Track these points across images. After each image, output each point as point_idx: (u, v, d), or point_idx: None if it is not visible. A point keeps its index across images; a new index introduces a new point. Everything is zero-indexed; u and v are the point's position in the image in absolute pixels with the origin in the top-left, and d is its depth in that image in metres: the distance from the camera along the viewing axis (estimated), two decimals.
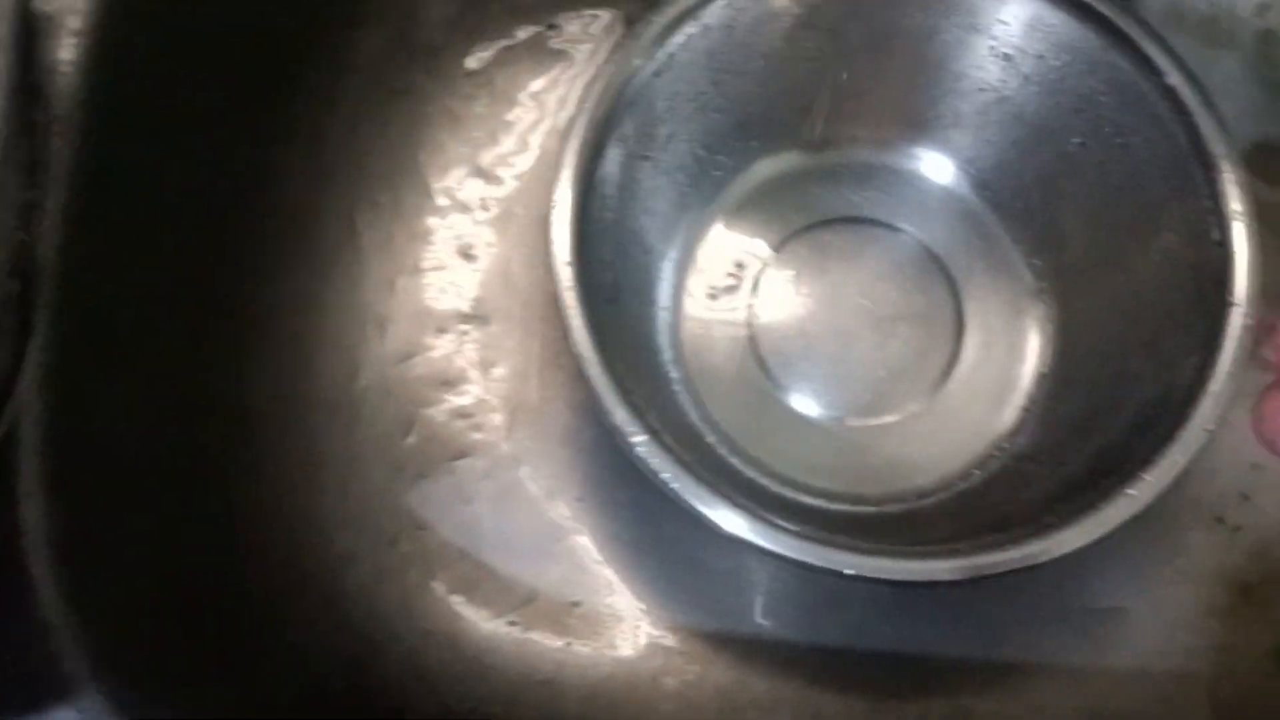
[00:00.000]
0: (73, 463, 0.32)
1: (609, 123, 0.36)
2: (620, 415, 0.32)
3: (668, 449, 0.32)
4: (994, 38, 0.39)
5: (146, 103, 0.36)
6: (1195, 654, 0.36)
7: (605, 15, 0.45)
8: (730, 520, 0.31)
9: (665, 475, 0.31)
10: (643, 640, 0.38)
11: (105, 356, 0.34)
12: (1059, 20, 0.38)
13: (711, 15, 0.38)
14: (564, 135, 0.36)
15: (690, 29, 0.38)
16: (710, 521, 0.31)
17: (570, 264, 0.34)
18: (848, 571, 0.30)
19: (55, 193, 0.32)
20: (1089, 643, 0.37)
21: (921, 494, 0.39)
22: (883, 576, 0.30)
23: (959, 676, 0.38)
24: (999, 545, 0.30)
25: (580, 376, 0.33)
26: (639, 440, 0.32)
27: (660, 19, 0.37)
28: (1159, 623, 0.37)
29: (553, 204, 0.35)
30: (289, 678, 0.36)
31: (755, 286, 0.42)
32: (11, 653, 0.30)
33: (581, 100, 0.36)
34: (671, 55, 0.38)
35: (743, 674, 0.38)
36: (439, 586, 0.38)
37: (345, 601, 0.37)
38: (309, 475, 0.38)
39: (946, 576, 0.30)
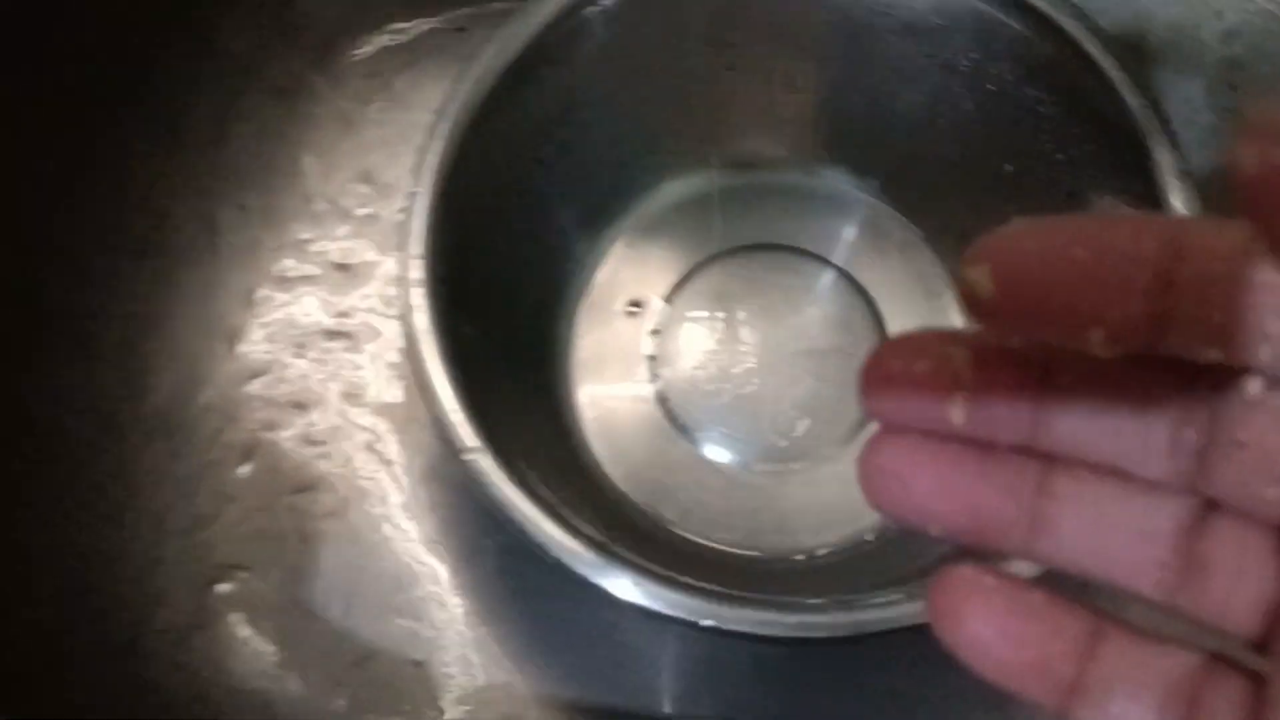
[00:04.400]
0: None
1: (488, 112, 0.32)
2: (455, 425, 0.27)
3: (509, 465, 0.27)
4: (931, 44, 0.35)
5: None
6: None
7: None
8: (561, 543, 0.26)
9: (494, 491, 0.26)
10: (495, 711, 0.32)
11: None
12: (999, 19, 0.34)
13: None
14: (436, 119, 0.31)
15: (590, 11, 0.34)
16: (539, 544, 0.26)
17: (422, 257, 0.29)
18: (704, 623, 0.25)
19: None
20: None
21: (819, 548, 0.34)
22: (743, 630, 0.25)
23: None
24: (883, 603, 0.25)
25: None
26: (471, 452, 0.27)
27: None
28: None
29: (413, 191, 0.30)
30: None
31: (660, 317, 0.38)
32: None
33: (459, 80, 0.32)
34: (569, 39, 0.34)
35: None
36: (258, 640, 0.33)
37: (147, 648, 0.32)
38: (120, 502, 0.33)
39: (823, 633, 0.25)
